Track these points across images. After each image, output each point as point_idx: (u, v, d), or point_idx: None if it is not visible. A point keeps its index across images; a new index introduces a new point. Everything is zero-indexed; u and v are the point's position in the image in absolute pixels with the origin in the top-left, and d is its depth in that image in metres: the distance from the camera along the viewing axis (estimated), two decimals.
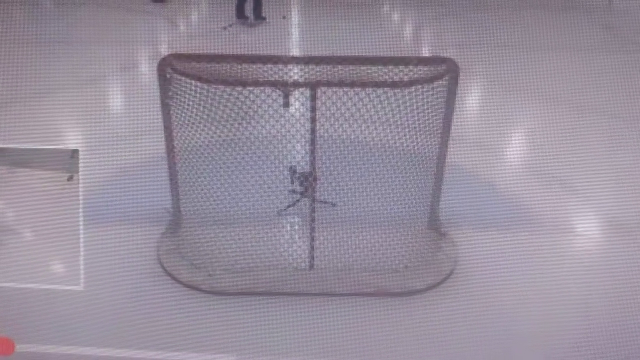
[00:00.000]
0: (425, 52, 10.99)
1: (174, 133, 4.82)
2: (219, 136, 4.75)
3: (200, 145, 4.84)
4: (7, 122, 6.86)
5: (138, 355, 4.18)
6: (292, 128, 4.57)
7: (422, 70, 4.52)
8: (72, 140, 7.07)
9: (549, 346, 4.25)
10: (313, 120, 4.43)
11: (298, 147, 4.78)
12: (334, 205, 5.27)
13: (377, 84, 4.36)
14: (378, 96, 4.45)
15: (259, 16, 11.95)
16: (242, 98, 4.43)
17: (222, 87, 4.42)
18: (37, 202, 3.77)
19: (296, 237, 5.26)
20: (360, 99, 4.44)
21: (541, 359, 4.20)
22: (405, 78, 4.44)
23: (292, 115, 4.58)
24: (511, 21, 11.66)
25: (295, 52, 10.38)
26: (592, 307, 4.60)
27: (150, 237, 5.16)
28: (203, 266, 4.83)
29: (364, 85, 4.34)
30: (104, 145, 6.37)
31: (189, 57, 4.71)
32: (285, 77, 4.54)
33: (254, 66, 4.64)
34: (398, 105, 4.49)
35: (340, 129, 4.61)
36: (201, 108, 4.60)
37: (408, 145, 4.73)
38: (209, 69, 4.62)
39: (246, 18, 11.86)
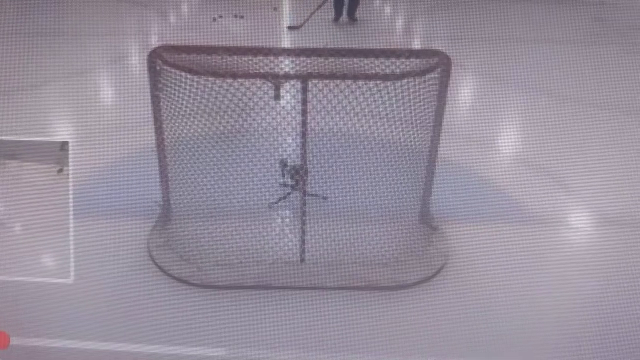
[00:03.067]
0: (417, 45, 10.97)
1: (164, 125, 4.79)
2: (209, 129, 4.72)
3: (190, 138, 4.81)
4: None
5: (126, 348, 4.16)
6: (283, 121, 4.54)
7: (413, 63, 4.51)
8: (61, 132, 7.02)
9: (540, 340, 4.26)
10: (304, 112, 4.41)
11: (289, 140, 4.76)
12: (325, 198, 5.26)
13: (369, 77, 4.34)
14: (369, 89, 4.43)
15: (352, 16, 11.90)
16: (232, 90, 4.40)
17: (212, 79, 4.39)
18: (26, 195, 3.74)
19: (287, 230, 5.24)
20: (352, 92, 4.42)
21: (532, 353, 4.20)
22: (397, 70, 4.43)
23: (283, 108, 4.55)
24: (503, 14, 11.65)
25: (286, 43, 10.33)
26: (584, 301, 4.62)
27: (141, 231, 5.13)
28: (193, 260, 4.81)
29: (355, 77, 4.32)
30: (93, 138, 6.34)
31: (178, 49, 4.67)
32: (276, 69, 4.52)
33: (244, 58, 4.60)
34: (390, 98, 4.47)
35: (332, 121, 4.59)
36: (191, 100, 4.57)
37: (400, 139, 4.72)
38: (199, 60, 4.59)
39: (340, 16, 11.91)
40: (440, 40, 10.25)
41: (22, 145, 3.73)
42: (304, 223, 4.76)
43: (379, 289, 4.63)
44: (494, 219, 5.36)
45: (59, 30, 10.50)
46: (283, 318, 4.36)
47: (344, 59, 4.57)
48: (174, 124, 4.77)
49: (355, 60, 4.57)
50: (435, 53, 4.59)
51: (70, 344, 4.16)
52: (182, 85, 4.52)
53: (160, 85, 4.62)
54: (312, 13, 10.48)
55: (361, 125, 4.72)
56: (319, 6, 10.64)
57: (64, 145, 3.71)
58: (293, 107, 4.51)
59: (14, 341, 3.94)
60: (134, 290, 4.60)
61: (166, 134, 4.83)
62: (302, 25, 10.35)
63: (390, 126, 4.67)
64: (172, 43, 4.77)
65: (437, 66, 4.50)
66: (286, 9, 12.45)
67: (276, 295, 4.56)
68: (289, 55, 4.74)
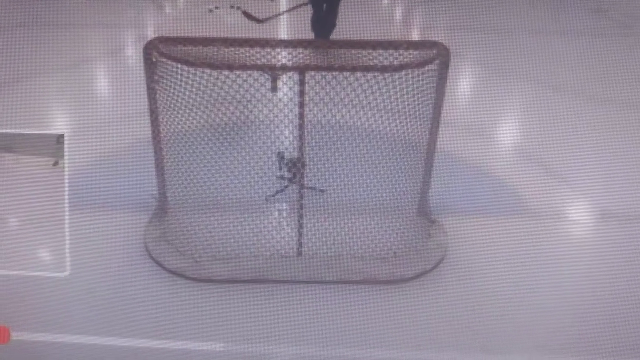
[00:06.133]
0: (415, 36, 10.93)
1: (160, 118, 4.76)
2: (206, 121, 4.70)
3: (186, 130, 4.78)
4: None
5: (122, 342, 4.14)
6: (280, 113, 4.51)
7: (412, 54, 4.47)
8: (57, 125, 6.98)
9: (539, 333, 4.25)
10: (301, 105, 4.38)
11: (286, 132, 4.73)
12: (322, 191, 5.24)
13: (367, 68, 4.31)
14: (367, 81, 4.40)
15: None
16: (229, 82, 4.36)
17: (208, 71, 4.35)
18: (22, 188, 3.73)
19: (284, 223, 5.21)
20: (350, 84, 4.39)
21: (531, 346, 4.19)
22: (395, 62, 4.39)
23: (280, 100, 4.52)
24: (502, 5, 11.61)
25: (283, 35, 10.28)
26: (582, 294, 4.61)
27: (137, 224, 5.11)
28: (189, 253, 4.78)
29: (353, 69, 4.28)
30: (89, 130, 6.30)
31: (175, 40, 4.64)
32: (273, 61, 4.47)
33: (241, 49, 4.57)
34: (388, 90, 4.44)
35: (329, 114, 4.58)
36: (187, 92, 4.54)
37: (398, 131, 4.69)
38: (196, 52, 4.56)
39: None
40: (439, 32, 10.21)
41: (17, 138, 3.72)
42: (301, 216, 4.73)
43: (377, 282, 4.61)
44: (493, 212, 5.35)
45: (54, 21, 10.44)
46: (280, 312, 4.34)
47: (341, 50, 4.54)
48: (170, 116, 4.73)
49: (353, 51, 4.54)
50: (433, 44, 4.56)
51: (66, 338, 4.15)
52: (179, 77, 4.48)
53: (156, 77, 4.58)
54: (278, 15, 10.17)
55: (359, 118, 4.69)
56: (287, 10, 10.32)
57: (59, 138, 3.71)
58: (290, 99, 4.47)
59: (14, 336, 3.93)
60: (130, 284, 4.59)
61: (162, 126, 4.80)
62: (265, 20, 10.09)
63: (388, 118, 4.64)
64: (168, 34, 4.74)
65: (435, 58, 4.46)
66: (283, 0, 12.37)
67: (273, 289, 4.54)
68: (286, 46, 4.70)
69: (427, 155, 4.91)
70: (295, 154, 4.75)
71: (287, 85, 4.51)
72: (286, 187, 5.41)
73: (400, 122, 4.65)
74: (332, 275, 4.63)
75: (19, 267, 3.78)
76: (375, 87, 4.42)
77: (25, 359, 3.98)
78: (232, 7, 11.52)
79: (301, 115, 4.42)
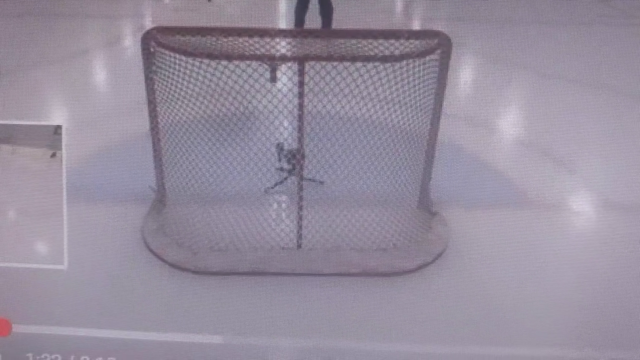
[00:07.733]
0: (417, 26, 10.89)
1: (158, 109, 4.73)
2: (204, 112, 4.68)
3: (185, 121, 4.76)
4: None
5: (121, 335, 4.13)
6: (280, 103, 4.49)
7: (413, 44, 4.44)
8: (55, 116, 6.96)
9: (540, 325, 4.23)
10: (301, 95, 4.35)
11: (285, 123, 4.71)
12: (322, 183, 5.22)
13: (367, 58, 4.29)
14: (368, 71, 4.37)
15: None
16: (227, 72, 4.34)
17: (207, 61, 4.33)
18: (19, 180, 3.71)
19: (283, 215, 5.20)
20: (350, 74, 4.36)
21: (533, 338, 4.17)
22: (396, 52, 4.36)
23: (280, 91, 4.50)
24: None
25: (283, 25, 10.24)
26: (585, 285, 4.58)
27: (135, 216, 5.08)
28: (188, 245, 4.76)
29: (353, 59, 4.26)
30: (87, 121, 6.27)
31: (173, 30, 4.61)
32: (273, 51, 4.44)
33: (240, 39, 4.54)
34: (388, 80, 4.42)
35: (329, 104, 4.55)
36: (186, 83, 4.52)
37: (399, 122, 4.67)
38: (194, 42, 4.53)
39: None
40: (441, 21, 10.17)
41: (14, 129, 3.71)
42: (300, 208, 4.70)
43: (377, 275, 4.58)
44: (495, 204, 5.32)
45: (50, 11, 10.40)
46: (279, 304, 4.32)
47: (342, 40, 4.51)
48: (168, 107, 4.71)
49: (353, 41, 4.50)
50: (435, 34, 4.52)
51: (66, 330, 4.14)
52: (177, 67, 4.46)
53: (154, 68, 4.56)
54: None
55: (359, 108, 4.66)
56: None
57: (57, 129, 3.70)
58: (290, 90, 4.44)
59: (14, 328, 3.93)
60: (128, 276, 4.56)
61: (160, 117, 4.78)
62: None
63: (389, 109, 4.62)
64: (166, 24, 4.71)
65: (437, 47, 4.43)
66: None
67: (272, 281, 4.51)
68: (285, 36, 4.68)
69: (428, 147, 4.88)
70: (295, 145, 4.72)
71: (286, 75, 4.48)
72: (285, 178, 5.38)
73: (401, 113, 4.63)
74: (331, 267, 4.60)
75: (17, 259, 3.76)
76: (376, 77, 4.39)
77: (25, 352, 3.96)
78: None
79: (300, 106, 4.39)
